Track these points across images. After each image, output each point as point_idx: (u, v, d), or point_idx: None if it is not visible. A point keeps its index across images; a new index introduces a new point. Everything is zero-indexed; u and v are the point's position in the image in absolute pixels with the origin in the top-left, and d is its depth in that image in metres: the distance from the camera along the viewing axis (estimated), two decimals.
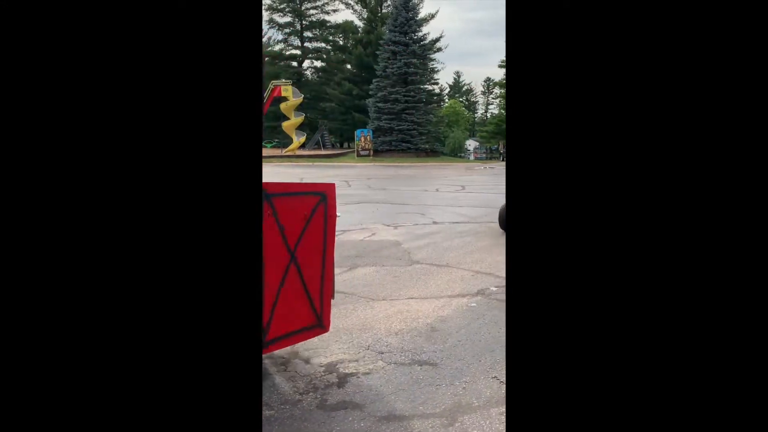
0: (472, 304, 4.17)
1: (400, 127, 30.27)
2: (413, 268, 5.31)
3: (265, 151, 29.49)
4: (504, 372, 2.97)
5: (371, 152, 28.76)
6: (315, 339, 3.40)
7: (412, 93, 30.12)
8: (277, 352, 3.19)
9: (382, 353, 3.22)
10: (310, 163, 24.68)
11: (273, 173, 18.27)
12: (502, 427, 2.40)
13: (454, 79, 58.24)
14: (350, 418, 2.46)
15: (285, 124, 27.74)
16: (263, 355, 3.13)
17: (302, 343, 3.34)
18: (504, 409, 2.55)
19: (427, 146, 31.34)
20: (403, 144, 30.67)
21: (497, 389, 2.77)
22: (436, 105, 34.52)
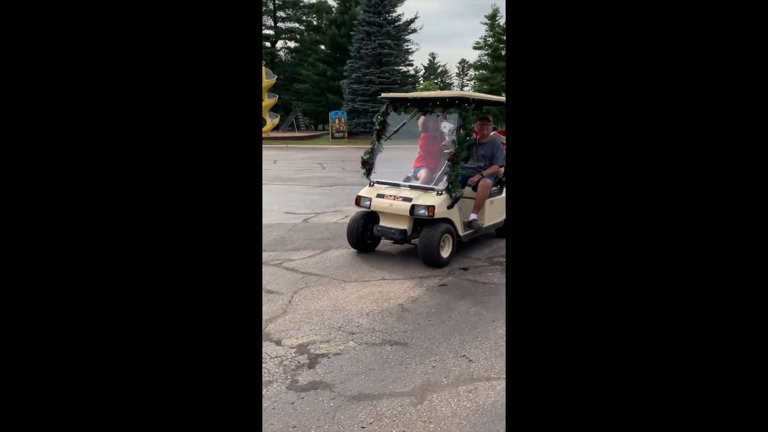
0: (443, 285, 4.23)
1: (375, 108, 30.03)
2: (385, 249, 5.33)
3: None
4: (472, 350, 3.03)
5: (346, 134, 28.54)
6: (287, 320, 3.41)
7: (386, 74, 29.89)
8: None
9: (353, 334, 3.24)
10: (284, 146, 24.37)
11: None
12: (470, 404, 2.46)
13: (429, 60, 57.95)
14: (320, 398, 2.49)
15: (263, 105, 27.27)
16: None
17: (273, 325, 3.34)
18: (472, 387, 2.61)
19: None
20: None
21: (465, 368, 2.83)
22: (411, 87, 34.35)
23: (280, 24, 39.83)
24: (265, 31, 39.69)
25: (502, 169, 5.50)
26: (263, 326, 3.33)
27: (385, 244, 5.49)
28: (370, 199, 4.90)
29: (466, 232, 4.98)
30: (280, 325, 3.35)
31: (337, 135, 28.38)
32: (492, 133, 5.75)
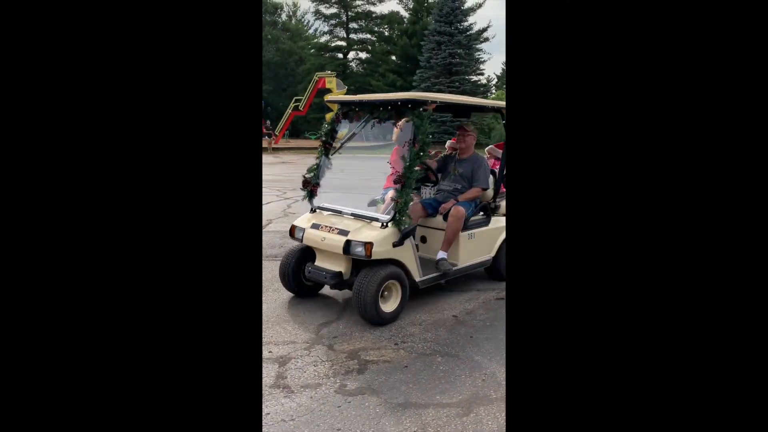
0: (500, 299, 4.14)
1: (444, 118, 29.99)
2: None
3: (309, 143, 29.88)
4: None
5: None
6: (340, 325, 3.48)
7: (456, 84, 29.76)
8: (301, 337, 3.29)
9: (404, 342, 3.26)
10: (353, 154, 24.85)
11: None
12: None
13: (502, 69, 57.16)
14: (367, 404, 2.52)
15: (329, 116, 28.03)
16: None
17: (327, 328, 3.42)
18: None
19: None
20: (446, 135, 30.34)
21: None
22: (481, 96, 33.99)
23: (352, 35, 40.77)
24: (338, 43, 40.78)
25: (488, 192, 4.39)
26: (317, 330, 3.42)
27: None
28: (304, 230, 3.77)
29: (426, 277, 3.73)
30: (333, 330, 3.42)
31: None
32: (489, 147, 4.94)
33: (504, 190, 4.55)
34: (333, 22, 40.56)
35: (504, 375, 2.85)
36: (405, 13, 38.58)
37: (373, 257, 3.36)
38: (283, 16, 42.80)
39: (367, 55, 40.76)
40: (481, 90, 34.04)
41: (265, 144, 23.17)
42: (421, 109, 3.46)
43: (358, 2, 40.14)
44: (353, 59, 41.99)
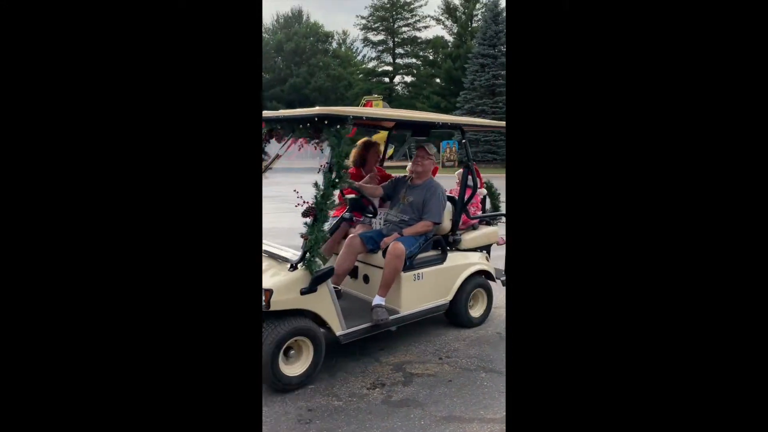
0: None
1: (487, 138, 29.86)
2: None
3: None
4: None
5: (455, 163, 28.66)
6: (386, 339, 3.56)
7: (500, 104, 29.68)
8: (348, 347, 3.39)
9: (449, 357, 3.30)
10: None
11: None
12: None
13: None
14: (411, 415, 2.58)
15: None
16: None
17: (374, 342, 3.51)
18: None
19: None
20: (489, 155, 30.21)
21: None
22: None
23: (398, 60, 41.51)
24: (385, 68, 41.57)
25: (444, 225, 3.66)
26: (364, 342, 3.51)
27: None
28: None
29: (352, 329, 3.00)
30: (380, 343, 3.50)
31: (447, 164, 28.60)
32: (459, 171, 4.11)
33: (467, 221, 3.96)
34: (380, 48, 41.48)
35: None
36: (449, 38, 39.01)
37: (272, 308, 2.67)
38: (334, 44, 44.17)
39: (413, 78, 41.33)
40: None
41: (319, 165, 23.59)
42: (338, 127, 2.81)
43: (404, 28, 40.95)
44: (399, 83, 42.65)
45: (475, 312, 3.88)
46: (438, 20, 39.36)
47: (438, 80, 38.04)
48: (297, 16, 44.05)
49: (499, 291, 4.20)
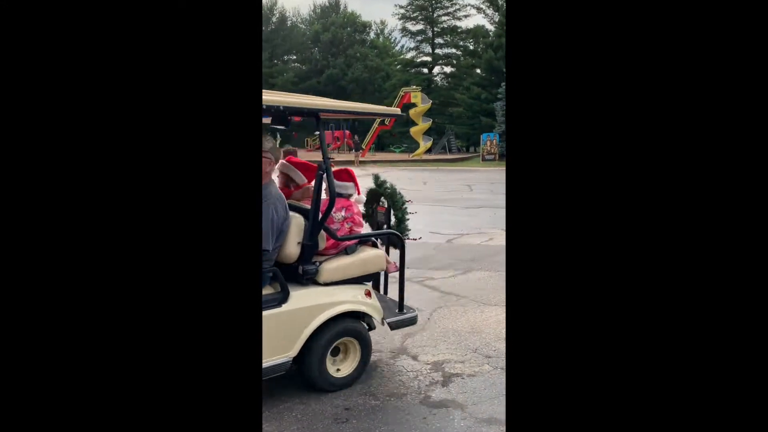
0: None
1: None
2: None
3: (394, 156, 30.34)
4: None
5: (497, 156, 28.17)
6: (425, 337, 3.50)
7: None
8: (386, 346, 3.34)
9: (489, 357, 3.21)
10: (435, 167, 24.91)
11: (397, 176, 18.77)
12: None
13: None
14: (451, 417, 2.51)
15: (413, 130, 28.35)
16: (374, 348, 3.10)
17: (411, 340, 3.45)
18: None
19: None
20: None
21: None
22: None
23: (437, 50, 41.07)
24: (424, 58, 41.25)
25: (289, 253, 2.70)
26: (402, 340, 3.46)
27: None
28: None
29: None
30: (418, 341, 3.44)
31: (488, 157, 28.17)
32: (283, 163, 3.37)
33: (335, 244, 2.89)
34: (419, 38, 41.12)
35: None
36: (490, 27, 38.24)
37: None
38: (371, 34, 44.07)
39: (452, 69, 40.82)
40: None
41: (352, 157, 23.87)
42: None
43: (443, 17, 40.44)
44: (438, 74, 42.23)
45: (342, 369, 2.83)
46: (479, 9, 38.66)
47: (478, 71, 37.42)
48: (334, 5, 44.10)
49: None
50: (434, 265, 5.50)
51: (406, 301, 3.18)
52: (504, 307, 4.14)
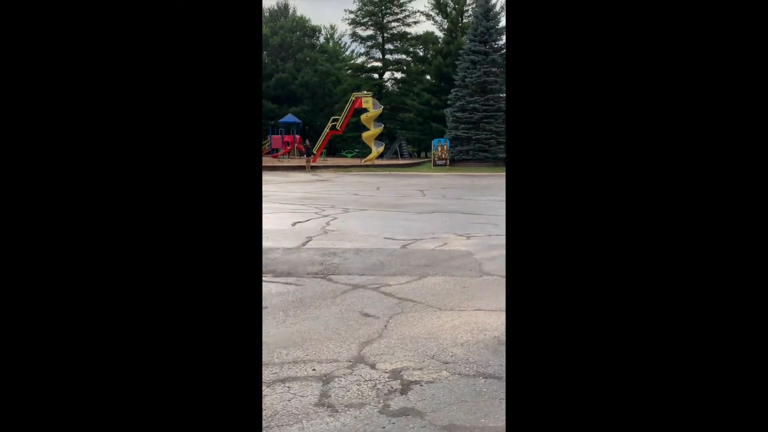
0: None
1: (478, 136, 29.95)
2: (483, 279, 5.25)
3: (345, 161, 30.28)
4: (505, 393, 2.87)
5: (447, 161, 28.65)
6: (382, 345, 3.48)
7: (491, 102, 29.74)
8: (344, 355, 3.30)
9: (447, 363, 3.22)
10: (387, 173, 25.04)
11: (350, 181, 18.74)
12: None
13: None
14: (411, 425, 2.50)
15: (364, 135, 28.44)
16: (331, 357, 3.15)
17: (369, 348, 3.42)
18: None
19: (504, 156, 30.73)
20: (481, 153, 30.30)
21: None
22: None
23: (387, 56, 41.36)
24: (374, 63, 41.42)
25: None
26: (359, 348, 3.43)
27: (483, 273, 5.41)
28: None
29: None
30: (375, 349, 3.42)
31: (439, 162, 28.59)
32: None
33: None
34: (369, 43, 41.30)
35: None
36: (440, 34, 38.94)
37: None
38: (321, 39, 43.87)
39: (403, 75, 41.23)
40: None
41: (303, 162, 23.61)
42: None
43: (393, 23, 40.80)
44: (389, 79, 42.54)
45: None
46: (428, 16, 39.27)
47: (428, 77, 37.97)
48: (283, 9, 43.69)
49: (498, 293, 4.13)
50: (389, 272, 5.50)
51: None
52: (460, 312, 4.19)
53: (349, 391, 2.84)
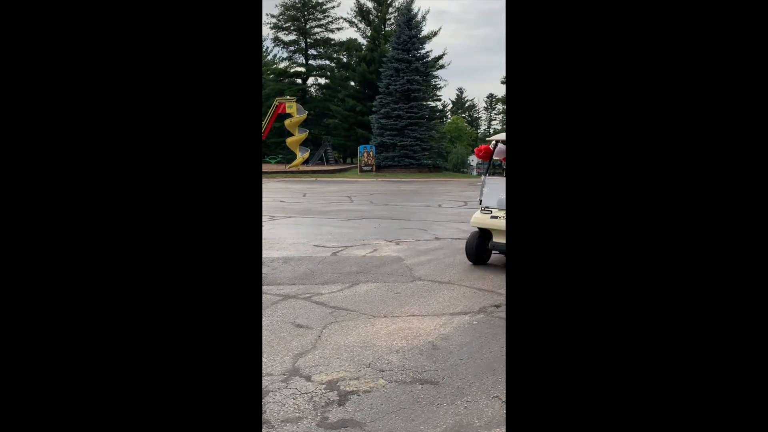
0: (474, 322, 4.16)
1: (403, 142, 30.45)
2: (415, 284, 5.30)
3: (269, 167, 29.61)
4: (505, 392, 2.95)
5: (374, 168, 28.87)
6: (316, 356, 3.40)
7: (414, 109, 30.36)
8: (277, 368, 3.19)
9: (383, 371, 3.21)
10: (313, 179, 24.76)
11: (275, 188, 18.33)
12: None
13: (457, 95, 58.72)
14: None
15: (289, 141, 27.95)
16: (264, 371, 3.07)
17: (303, 360, 3.33)
18: (505, 430, 2.53)
19: (429, 162, 31.50)
20: (406, 159, 30.83)
21: (499, 409, 2.75)
22: (438, 121, 34.71)
23: (311, 61, 41.07)
24: (297, 69, 40.95)
25: None
26: (293, 361, 3.33)
27: (414, 279, 5.46)
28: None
29: None
30: (310, 360, 3.34)
31: (365, 168, 28.73)
32: None
33: None
34: (292, 48, 40.79)
35: (486, 402, 2.84)
36: (363, 41, 39.22)
37: None
38: None
39: (327, 80, 41.07)
40: (437, 115, 34.83)
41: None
42: None
43: (316, 29, 40.60)
44: (312, 85, 42.22)
45: None
46: (351, 22, 39.46)
47: (353, 83, 38.10)
48: None
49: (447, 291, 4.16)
50: (321, 280, 5.41)
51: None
52: (393, 318, 4.19)
53: (284, 405, 2.75)
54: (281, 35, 40.21)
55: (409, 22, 31.04)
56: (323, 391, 2.92)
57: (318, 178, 25.28)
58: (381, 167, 29.53)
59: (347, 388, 2.96)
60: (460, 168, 34.84)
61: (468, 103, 59.02)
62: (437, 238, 8.30)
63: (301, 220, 10.28)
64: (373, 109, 31.29)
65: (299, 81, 40.89)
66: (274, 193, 16.54)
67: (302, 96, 38.25)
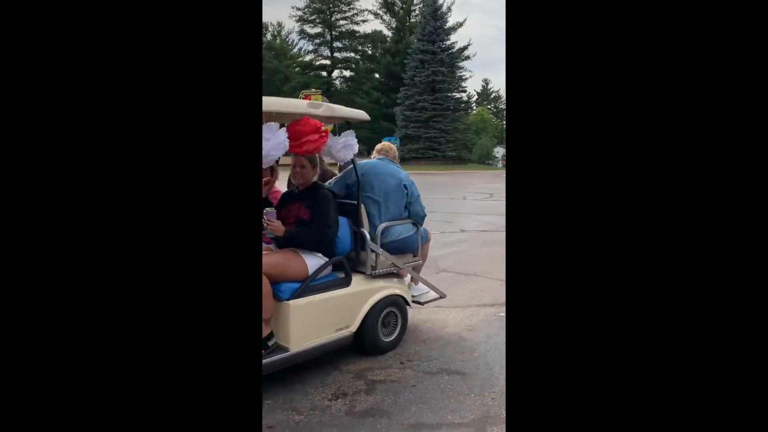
0: (500, 314, 4.14)
1: (428, 134, 30.30)
2: (440, 276, 5.30)
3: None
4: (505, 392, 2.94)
5: (398, 160, 28.82)
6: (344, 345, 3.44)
7: (439, 101, 30.17)
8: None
9: (410, 361, 3.23)
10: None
11: None
12: None
13: (483, 86, 58.18)
14: (378, 426, 2.48)
15: None
16: (292, 361, 3.09)
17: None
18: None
19: (454, 154, 31.30)
20: (431, 152, 30.69)
21: None
22: (463, 113, 34.41)
23: (336, 54, 41.12)
24: (323, 61, 41.08)
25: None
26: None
27: (440, 270, 5.44)
28: None
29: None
30: (339, 350, 3.37)
31: None
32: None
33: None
34: (317, 41, 40.93)
35: None
36: (388, 32, 39.08)
37: None
38: (268, 36, 43.03)
39: (351, 73, 41.11)
40: (462, 107, 34.53)
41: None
42: None
43: (341, 22, 40.61)
44: (337, 77, 42.32)
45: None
46: (376, 14, 39.34)
47: (377, 75, 38.04)
48: None
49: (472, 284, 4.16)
50: None
51: None
52: (420, 309, 4.20)
53: (313, 393, 2.79)
54: (306, 28, 40.41)
55: (435, 13, 30.79)
56: (351, 380, 2.95)
57: None
58: (405, 159, 29.50)
59: (375, 378, 2.99)
60: (484, 160, 34.52)
61: (494, 94, 58.40)
62: (462, 231, 8.26)
63: None
64: (398, 101, 31.21)
65: (324, 74, 41.05)
66: None
67: (327, 89, 38.40)
